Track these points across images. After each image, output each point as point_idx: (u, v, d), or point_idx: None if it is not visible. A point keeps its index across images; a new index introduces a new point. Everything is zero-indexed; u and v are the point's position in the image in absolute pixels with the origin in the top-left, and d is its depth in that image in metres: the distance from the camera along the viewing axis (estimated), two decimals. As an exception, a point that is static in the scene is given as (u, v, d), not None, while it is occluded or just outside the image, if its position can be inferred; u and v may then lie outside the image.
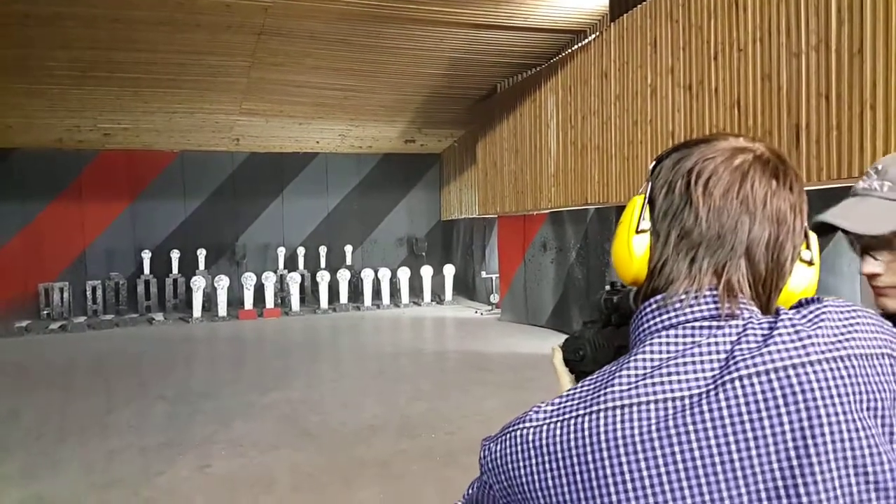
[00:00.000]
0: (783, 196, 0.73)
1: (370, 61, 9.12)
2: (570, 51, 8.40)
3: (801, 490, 0.62)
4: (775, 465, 0.63)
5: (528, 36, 8.49)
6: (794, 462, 0.63)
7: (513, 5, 7.55)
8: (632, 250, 0.76)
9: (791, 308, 0.73)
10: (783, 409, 0.64)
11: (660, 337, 0.71)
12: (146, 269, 13.16)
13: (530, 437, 0.71)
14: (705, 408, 0.65)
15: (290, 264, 14.09)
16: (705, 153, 0.74)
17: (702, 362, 0.67)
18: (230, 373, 7.99)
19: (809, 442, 0.63)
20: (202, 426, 5.65)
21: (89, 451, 5.09)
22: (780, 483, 0.63)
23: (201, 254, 13.43)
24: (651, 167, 0.80)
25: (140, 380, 7.69)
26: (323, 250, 14.24)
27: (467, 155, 13.33)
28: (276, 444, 5.15)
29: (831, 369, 0.65)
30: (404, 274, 13.73)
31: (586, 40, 8.00)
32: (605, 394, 0.69)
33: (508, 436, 0.74)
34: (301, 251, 14.15)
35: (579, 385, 0.73)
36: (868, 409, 0.65)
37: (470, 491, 0.91)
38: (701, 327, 0.70)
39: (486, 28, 8.18)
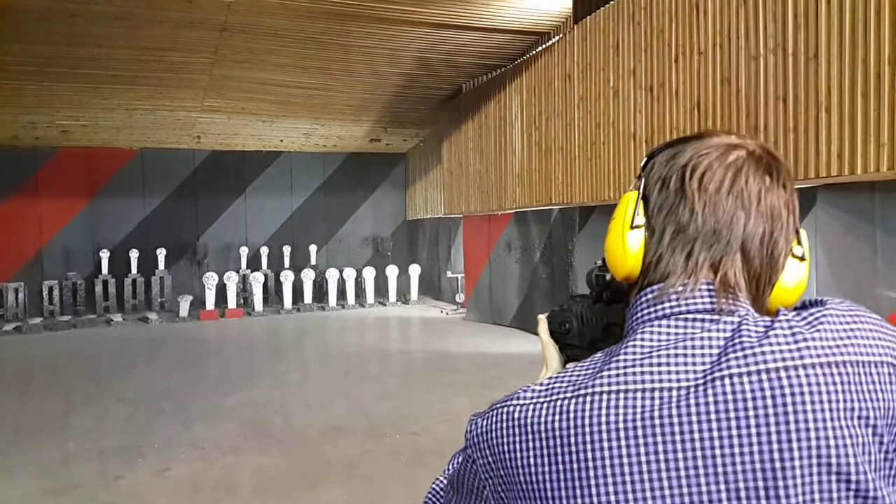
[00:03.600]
0: (777, 193, 0.74)
1: (335, 60, 9.06)
2: (534, 52, 8.45)
3: (781, 493, 0.62)
4: (757, 466, 0.63)
5: (492, 37, 8.52)
6: (777, 465, 0.63)
7: (477, 6, 7.56)
8: (626, 246, 0.76)
9: (793, 309, 0.72)
10: (770, 411, 0.63)
11: (652, 326, 0.71)
12: (104, 269, 12.88)
13: (517, 415, 0.72)
14: (692, 402, 0.65)
15: (253, 264, 13.93)
16: (699, 149, 0.75)
17: (693, 356, 0.67)
18: (191, 374, 7.86)
19: (794, 445, 0.62)
20: (162, 429, 5.56)
21: (44, 455, 4.97)
22: (760, 483, 0.63)
23: (161, 253, 13.21)
24: (643, 164, 0.80)
25: (98, 382, 7.53)
26: (287, 250, 14.10)
27: (433, 155, 13.33)
28: (238, 446, 5.09)
29: (824, 374, 0.64)
30: (370, 274, 13.67)
31: (550, 42, 8.05)
32: (596, 379, 0.69)
33: (496, 412, 0.74)
34: (264, 251, 13.99)
35: (572, 368, 0.73)
36: (859, 417, 0.64)
37: (453, 464, 0.91)
38: (695, 320, 0.70)
39: (451, 28, 8.18)
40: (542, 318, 0.98)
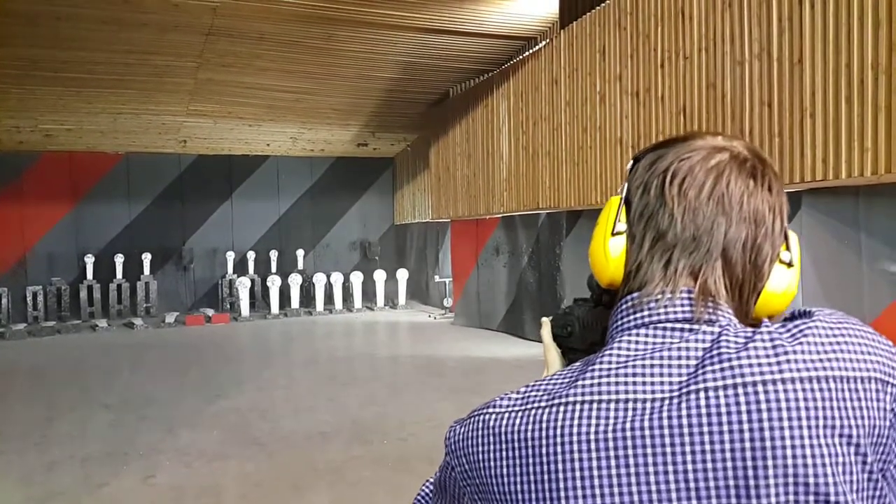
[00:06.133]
0: (761, 196, 0.71)
1: (322, 64, 9.04)
2: (521, 57, 8.46)
3: None
4: (731, 483, 0.61)
5: (480, 42, 8.53)
6: (752, 482, 0.60)
7: (465, 11, 7.57)
8: (608, 253, 0.75)
9: (783, 320, 0.70)
10: (745, 426, 0.61)
11: (629, 335, 0.69)
12: (89, 275, 12.78)
13: (492, 423, 0.71)
14: (665, 415, 0.63)
15: (240, 269, 13.86)
16: (681, 153, 0.73)
17: (669, 367, 0.65)
18: (176, 380, 7.80)
19: (770, 463, 0.60)
20: (147, 435, 5.50)
21: (27, 462, 4.91)
22: (733, 501, 0.61)
23: (146, 258, 13.11)
24: (628, 167, 0.78)
25: (82, 388, 7.45)
26: (274, 254, 14.04)
27: (420, 159, 13.32)
28: (223, 452, 5.05)
29: (804, 390, 0.62)
30: (357, 278, 13.64)
31: (537, 47, 8.07)
32: (570, 388, 0.68)
33: (473, 420, 0.73)
34: (251, 255, 13.92)
35: (550, 376, 0.72)
36: (840, 435, 0.61)
37: (439, 473, 0.91)
38: (673, 329, 0.68)
39: (438, 33, 8.19)
40: (546, 321, 0.97)
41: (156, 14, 7.12)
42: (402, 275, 13.94)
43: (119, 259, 12.95)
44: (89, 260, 12.80)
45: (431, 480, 0.91)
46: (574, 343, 0.94)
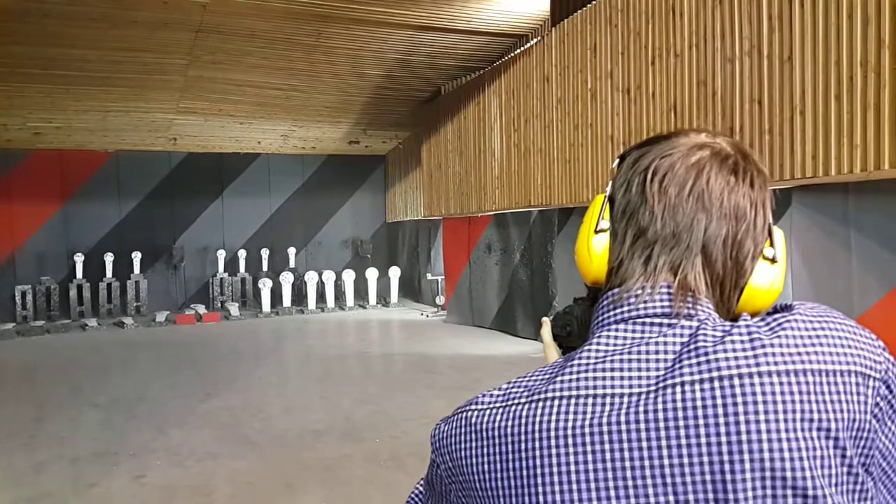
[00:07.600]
0: (742, 192, 0.71)
1: (313, 61, 9.01)
2: (512, 54, 8.46)
3: None
4: (707, 477, 0.61)
5: (471, 39, 8.52)
6: (728, 476, 0.60)
7: (456, 8, 7.57)
8: (591, 250, 0.76)
9: (765, 314, 0.69)
10: (721, 420, 0.61)
11: (609, 330, 0.70)
12: (79, 273, 12.70)
13: (474, 420, 0.71)
14: (641, 409, 0.63)
15: (231, 267, 13.81)
16: (663, 150, 0.73)
17: (647, 361, 0.66)
18: (167, 379, 7.76)
19: (746, 457, 0.60)
20: (137, 435, 5.48)
21: (16, 463, 4.87)
22: (710, 496, 0.60)
23: (136, 257, 13.05)
24: (614, 165, 0.79)
25: (72, 388, 7.41)
26: (265, 253, 14.01)
27: (412, 157, 13.31)
28: (215, 452, 5.03)
29: (781, 383, 0.61)
30: (349, 276, 13.62)
31: (528, 44, 8.07)
32: (550, 384, 0.68)
33: (457, 417, 0.74)
34: (242, 254, 13.88)
35: (533, 372, 0.72)
36: (819, 429, 0.60)
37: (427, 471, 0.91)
38: (652, 324, 0.68)
39: (429, 30, 8.18)
40: (546, 321, 0.97)
41: (146, 11, 7.08)
42: (395, 273, 13.93)
43: (109, 258, 12.88)
44: (79, 258, 12.72)
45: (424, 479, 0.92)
46: (574, 342, 0.95)
